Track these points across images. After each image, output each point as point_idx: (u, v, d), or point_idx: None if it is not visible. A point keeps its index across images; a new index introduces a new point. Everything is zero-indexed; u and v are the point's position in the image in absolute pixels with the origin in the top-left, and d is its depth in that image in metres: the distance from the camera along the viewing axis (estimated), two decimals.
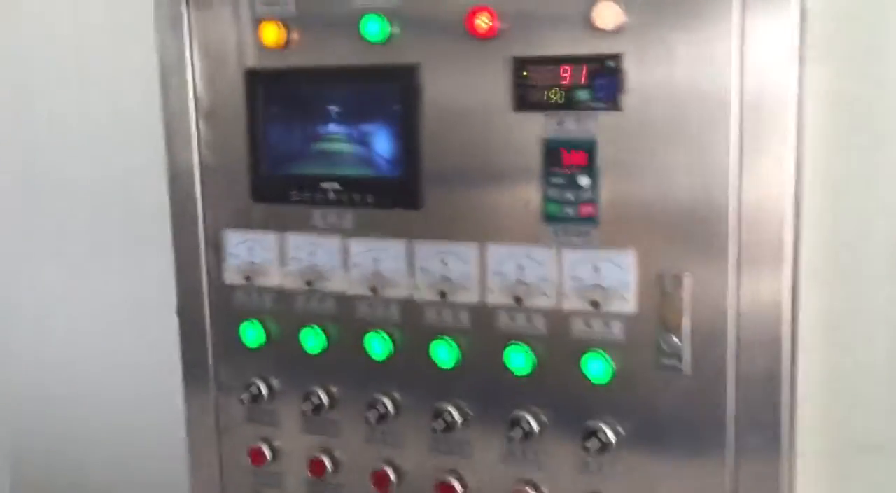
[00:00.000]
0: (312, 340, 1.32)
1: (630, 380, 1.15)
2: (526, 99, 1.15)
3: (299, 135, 1.29)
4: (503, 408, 1.22)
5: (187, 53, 1.35)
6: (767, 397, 1.08)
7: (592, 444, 1.15)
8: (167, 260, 1.41)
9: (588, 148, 1.13)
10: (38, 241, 1.93)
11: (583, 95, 1.12)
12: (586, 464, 1.18)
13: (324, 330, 1.32)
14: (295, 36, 1.28)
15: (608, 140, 1.12)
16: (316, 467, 1.36)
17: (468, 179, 1.20)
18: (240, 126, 1.33)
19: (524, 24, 1.14)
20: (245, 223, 1.36)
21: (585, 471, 1.19)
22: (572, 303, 1.17)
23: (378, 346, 1.28)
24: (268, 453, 1.40)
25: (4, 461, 2.04)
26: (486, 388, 1.23)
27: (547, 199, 1.16)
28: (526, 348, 1.19)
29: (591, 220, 1.14)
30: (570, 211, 1.15)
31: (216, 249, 1.38)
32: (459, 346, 1.24)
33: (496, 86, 1.16)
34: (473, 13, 1.14)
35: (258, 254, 1.35)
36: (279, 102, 1.30)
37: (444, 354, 1.23)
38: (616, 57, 1.09)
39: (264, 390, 1.38)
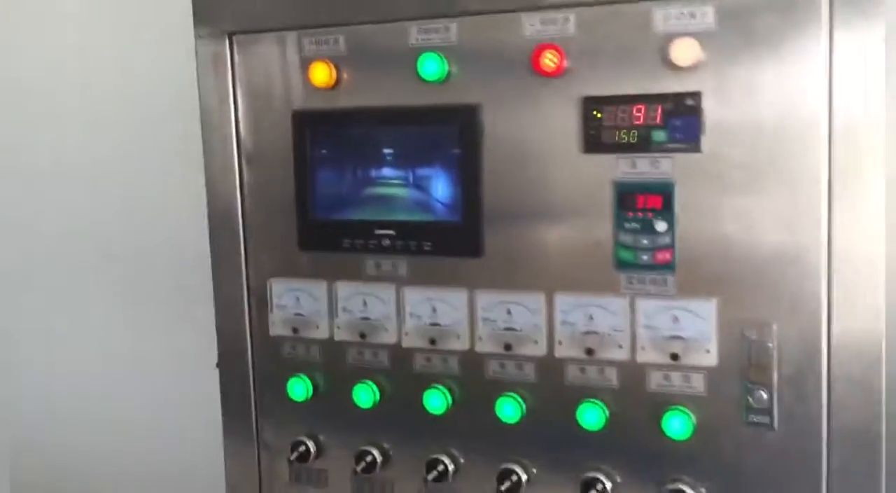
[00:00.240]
0: (365, 395, 1.25)
1: (712, 437, 1.09)
2: (596, 140, 1.09)
3: (350, 179, 1.23)
4: (574, 467, 1.16)
5: (230, 95, 1.29)
6: (864, 454, 1.03)
7: None
8: (209, 311, 1.34)
9: (664, 191, 1.07)
10: (76, 290, 1.92)
11: (658, 135, 1.06)
12: None
13: (377, 384, 1.25)
14: (345, 75, 1.22)
15: (685, 182, 1.07)
16: None
17: (532, 225, 1.15)
18: (286, 170, 1.26)
19: (592, 62, 1.10)
20: (292, 272, 1.29)
21: None
22: (648, 355, 1.11)
23: (436, 401, 1.21)
24: None
25: None
26: (553, 445, 1.17)
27: (619, 245, 1.10)
28: (598, 402, 1.12)
29: (667, 266, 1.08)
30: (645, 257, 1.09)
31: (260, 299, 1.32)
32: (525, 400, 1.17)
33: (563, 126, 1.11)
34: (540, 51, 1.09)
35: (306, 304, 1.28)
36: (329, 144, 1.24)
37: (510, 410, 1.17)
38: (695, 95, 1.04)
39: (312, 448, 1.30)
